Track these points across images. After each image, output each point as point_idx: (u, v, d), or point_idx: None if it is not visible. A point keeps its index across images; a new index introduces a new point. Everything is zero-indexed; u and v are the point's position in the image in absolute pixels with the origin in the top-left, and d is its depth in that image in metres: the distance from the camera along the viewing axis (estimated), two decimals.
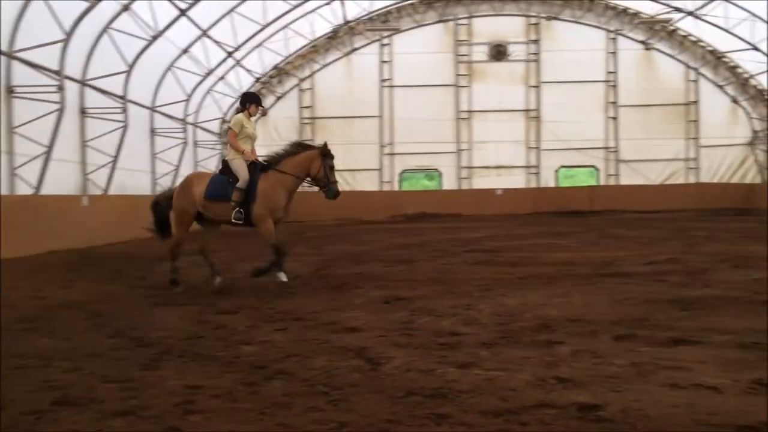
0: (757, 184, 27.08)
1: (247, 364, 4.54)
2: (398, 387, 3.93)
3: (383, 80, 27.80)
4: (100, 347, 5.17)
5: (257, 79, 26.22)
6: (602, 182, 28.05)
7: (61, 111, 13.80)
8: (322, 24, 25.94)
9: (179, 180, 21.17)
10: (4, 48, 12.72)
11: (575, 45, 27.34)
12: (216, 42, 20.97)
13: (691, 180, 27.67)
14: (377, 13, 27.05)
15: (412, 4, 27.45)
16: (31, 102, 13.42)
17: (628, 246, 12.53)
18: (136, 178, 18.94)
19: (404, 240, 15.58)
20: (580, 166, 28.38)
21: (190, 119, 22.40)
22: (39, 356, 4.85)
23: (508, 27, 27.88)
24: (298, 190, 8.32)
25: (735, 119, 27.77)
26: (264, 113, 27.30)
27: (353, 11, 26.07)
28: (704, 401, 3.55)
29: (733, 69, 27.10)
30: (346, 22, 26.48)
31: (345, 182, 23.64)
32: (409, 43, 27.70)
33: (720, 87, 27.64)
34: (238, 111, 8.54)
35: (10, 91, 13.17)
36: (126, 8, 15.88)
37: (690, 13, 24.98)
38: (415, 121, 27.19)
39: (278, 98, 27.55)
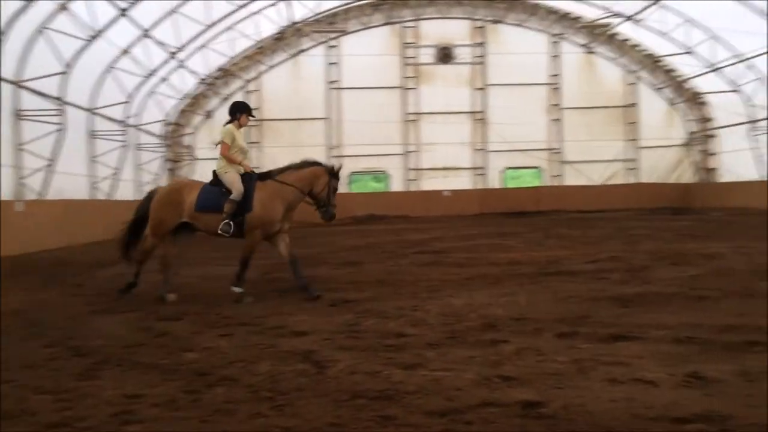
0: (693, 184, 28.16)
1: (190, 372, 4.44)
2: (344, 390, 3.91)
3: (331, 82, 27.70)
4: (35, 357, 4.98)
5: (202, 81, 25.74)
6: (547, 183, 28.63)
7: None
8: (268, 25, 25.62)
9: (121, 184, 20.92)
10: None
11: (520, 48, 27.84)
12: (158, 42, 20.51)
13: (631, 180, 28.49)
14: (324, 14, 26.93)
15: (359, 6, 27.43)
16: None
17: (572, 245, 12.81)
18: (75, 182, 18.32)
19: (353, 242, 15.54)
20: (525, 167, 28.88)
21: (131, 121, 21.82)
22: None
23: (455, 30, 28.17)
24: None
25: (672, 121, 28.77)
26: (208, 116, 26.87)
27: (300, 12, 25.85)
28: (641, 395, 3.65)
29: (669, 72, 28.05)
30: (293, 24, 26.26)
31: None
32: (357, 45, 27.69)
33: (658, 90, 28.59)
34: (227, 122, 7.81)
35: None
36: (63, 7, 15.36)
37: (629, 18, 25.77)
38: (362, 123, 27.18)
39: (224, 100, 27.07)
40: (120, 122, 20.96)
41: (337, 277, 9.38)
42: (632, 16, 25.49)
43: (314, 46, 27.58)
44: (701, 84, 27.11)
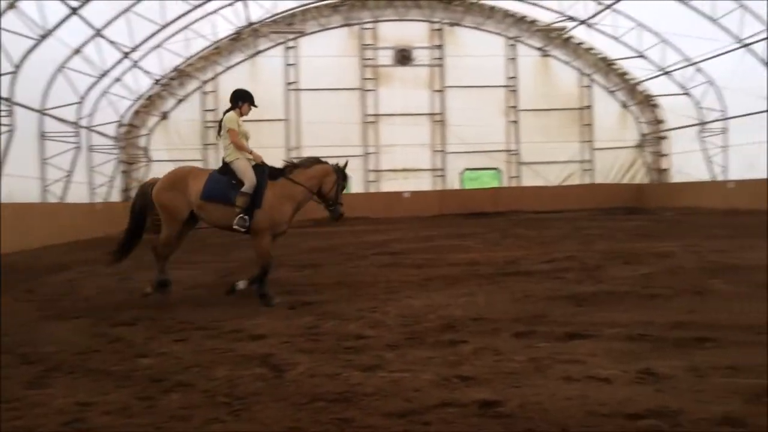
0: (645, 185, 28.92)
1: (144, 378, 4.36)
2: (302, 393, 3.89)
3: (289, 83, 27.52)
4: None
5: (156, 81, 25.26)
6: (505, 184, 28.96)
7: None
8: (224, 25, 25.31)
9: (73, 187, 20.39)
10: None
11: (477, 51, 28.12)
12: (111, 42, 20.06)
13: (587, 181, 29.05)
14: (281, 15, 26.75)
15: (317, 7, 27.32)
16: None
17: (529, 245, 12.99)
18: (25, 184, 17.78)
19: (312, 244, 15.47)
20: (483, 168, 29.17)
21: (83, 122, 21.29)
22: None
23: (413, 32, 28.31)
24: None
25: (625, 123, 29.46)
26: (163, 117, 26.40)
27: (257, 13, 25.63)
28: (595, 392, 3.72)
29: (622, 75, 28.73)
30: (250, 24, 26.01)
31: None
32: (315, 46, 27.56)
33: (611, 92, 29.23)
34: (228, 110, 7.64)
35: None
36: (12, 6, 14.91)
37: (583, 22, 26.29)
38: (321, 124, 27.06)
39: (179, 101, 26.68)
40: (72, 123, 20.42)
41: (296, 279, 9.30)
42: (586, 20, 26.01)
43: (272, 47, 27.36)
44: (653, 87, 27.87)
